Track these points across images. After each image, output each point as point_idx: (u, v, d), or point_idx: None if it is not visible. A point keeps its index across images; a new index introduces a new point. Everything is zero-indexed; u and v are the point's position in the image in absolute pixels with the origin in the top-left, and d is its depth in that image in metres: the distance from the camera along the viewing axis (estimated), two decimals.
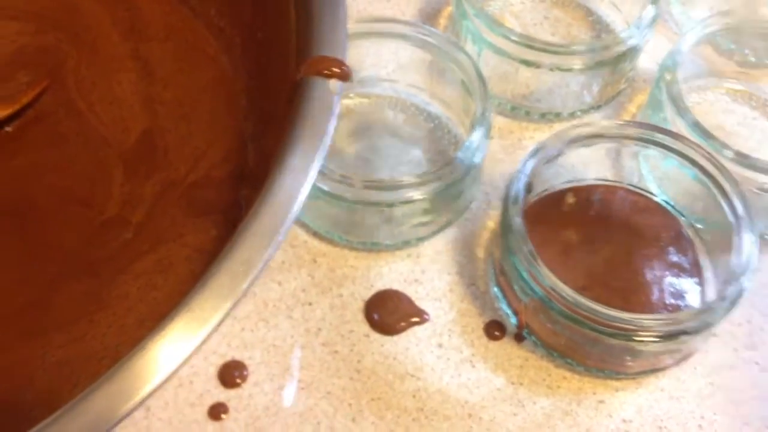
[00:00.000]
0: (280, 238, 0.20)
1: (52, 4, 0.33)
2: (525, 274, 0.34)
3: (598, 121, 0.42)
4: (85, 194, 0.32)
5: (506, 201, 0.35)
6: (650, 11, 0.42)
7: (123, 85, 0.33)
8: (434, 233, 0.40)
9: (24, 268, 0.30)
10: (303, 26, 0.25)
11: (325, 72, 0.22)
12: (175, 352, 0.18)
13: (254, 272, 0.19)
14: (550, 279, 0.33)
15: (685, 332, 0.33)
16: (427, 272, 0.39)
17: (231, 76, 0.33)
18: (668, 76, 0.40)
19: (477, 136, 0.37)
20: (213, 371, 0.36)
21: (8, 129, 0.32)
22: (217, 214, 0.31)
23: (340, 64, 0.23)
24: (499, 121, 0.44)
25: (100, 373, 0.26)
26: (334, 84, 0.22)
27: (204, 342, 0.18)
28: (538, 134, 0.44)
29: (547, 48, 0.40)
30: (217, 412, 0.35)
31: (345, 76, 0.23)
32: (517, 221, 0.34)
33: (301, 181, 0.21)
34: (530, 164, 0.36)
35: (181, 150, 0.32)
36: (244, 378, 0.36)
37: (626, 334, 0.33)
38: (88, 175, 0.32)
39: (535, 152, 0.36)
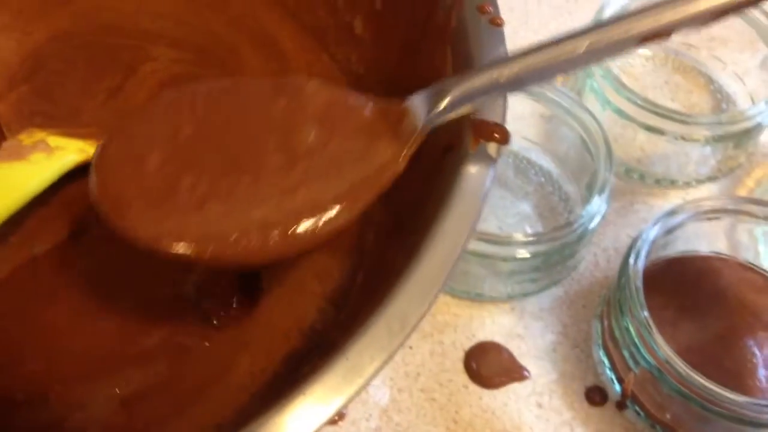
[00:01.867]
0: (434, 297, 0.20)
1: (213, 41, 0.34)
2: (638, 342, 0.34)
3: (721, 196, 0.41)
4: None
5: (625, 265, 0.35)
6: None
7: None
8: (540, 290, 0.40)
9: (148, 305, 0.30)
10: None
11: (485, 136, 0.23)
12: (331, 401, 0.19)
13: (410, 328, 0.19)
14: (665, 351, 0.33)
15: None
16: (530, 329, 0.39)
17: None
18: None
19: (598, 201, 0.37)
20: None
21: None
22: (342, 252, 0.31)
23: (501, 128, 0.23)
24: (611, 182, 0.44)
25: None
26: (492, 147, 0.23)
27: (359, 391, 0.19)
28: (651, 199, 0.43)
29: (672, 116, 0.40)
30: None
31: (505, 140, 0.23)
32: (637, 286, 0.34)
33: (457, 242, 0.21)
34: (654, 231, 0.36)
35: None
36: (341, 416, 0.36)
37: (740, 417, 0.32)
38: None
39: (660, 220, 0.36)
